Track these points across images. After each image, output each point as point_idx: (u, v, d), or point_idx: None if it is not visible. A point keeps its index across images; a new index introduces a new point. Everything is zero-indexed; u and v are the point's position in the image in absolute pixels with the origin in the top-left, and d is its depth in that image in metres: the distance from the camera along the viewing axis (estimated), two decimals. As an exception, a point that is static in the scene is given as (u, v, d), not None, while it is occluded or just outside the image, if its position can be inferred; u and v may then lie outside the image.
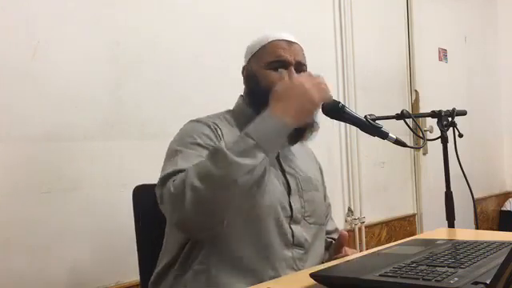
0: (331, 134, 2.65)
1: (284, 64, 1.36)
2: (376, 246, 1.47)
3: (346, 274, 1.09)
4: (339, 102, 1.46)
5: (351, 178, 2.73)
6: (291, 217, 1.32)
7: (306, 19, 2.53)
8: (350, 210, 2.71)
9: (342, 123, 2.48)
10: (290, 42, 1.38)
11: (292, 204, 1.33)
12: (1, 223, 1.46)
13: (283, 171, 1.35)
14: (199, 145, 1.26)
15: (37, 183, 1.54)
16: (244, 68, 1.42)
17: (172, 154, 1.27)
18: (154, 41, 1.86)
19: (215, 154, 1.12)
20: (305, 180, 1.40)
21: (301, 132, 1.38)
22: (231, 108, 1.44)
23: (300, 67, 1.36)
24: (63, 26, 1.62)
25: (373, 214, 2.82)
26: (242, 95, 1.44)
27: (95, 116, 1.68)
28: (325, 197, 1.56)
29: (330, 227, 1.57)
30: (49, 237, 1.56)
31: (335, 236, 1.55)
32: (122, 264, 1.48)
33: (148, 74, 1.83)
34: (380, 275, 1.00)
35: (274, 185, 1.31)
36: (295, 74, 1.24)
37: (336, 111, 1.45)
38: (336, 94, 2.67)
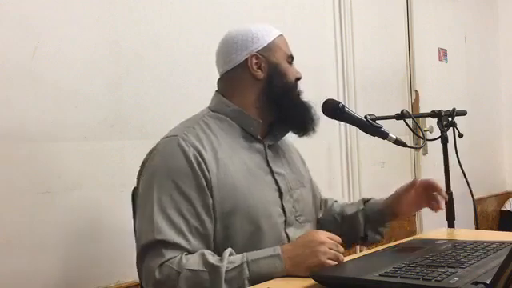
0: (331, 133, 2.64)
1: (292, 59, 1.42)
2: (376, 246, 1.47)
3: (346, 274, 1.09)
4: (339, 102, 1.46)
5: (351, 178, 2.73)
6: (285, 221, 1.33)
7: (306, 19, 2.53)
8: (350, 209, 2.71)
9: (342, 123, 2.48)
10: None
11: (285, 206, 1.33)
12: (1, 223, 1.46)
13: (272, 173, 1.35)
14: (182, 193, 1.21)
15: (37, 183, 1.54)
16: (256, 58, 1.35)
17: (150, 204, 1.20)
18: (153, 40, 1.86)
19: (212, 273, 1.12)
20: (292, 178, 1.41)
21: (303, 128, 1.39)
22: (207, 108, 1.40)
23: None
24: (63, 26, 1.62)
25: (373, 214, 2.82)
26: (217, 91, 1.41)
27: (95, 116, 1.68)
28: (312, 187, 1.56)
29: (331, 201, 1.62)
30: (49, 237, 1.56)
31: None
32: (122, 264, 1.48)
33: (148, 74, 1.83)
34: (380, 275, 1.00)
35: (266, 194, 1.31)
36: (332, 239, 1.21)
37: (336, 111, 1.45)
38: (336, 94, 2.66)
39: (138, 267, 1.24)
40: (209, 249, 1.22)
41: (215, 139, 1.29)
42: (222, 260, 1.15)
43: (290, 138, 1.49)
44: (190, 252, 1.18)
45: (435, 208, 1.50)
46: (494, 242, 1.28)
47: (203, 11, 2.02)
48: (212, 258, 1.16)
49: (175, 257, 1.16)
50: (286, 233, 1.32)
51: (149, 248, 1.18)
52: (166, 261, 1.15)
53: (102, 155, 1.69)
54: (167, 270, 1.14)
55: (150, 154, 1.32)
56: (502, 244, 1.26)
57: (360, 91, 2.79)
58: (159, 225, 1.18)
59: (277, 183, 1.34)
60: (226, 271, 1.13)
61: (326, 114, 1.47)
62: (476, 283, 0.91)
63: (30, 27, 1.55)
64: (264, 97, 1.36)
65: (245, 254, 1.18)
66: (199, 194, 1.21)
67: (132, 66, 1.79)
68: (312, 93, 2.46)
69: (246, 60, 1.35)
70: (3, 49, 1.49)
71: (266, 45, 1.36)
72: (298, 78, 1.41)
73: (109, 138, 1.71)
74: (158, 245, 1.17)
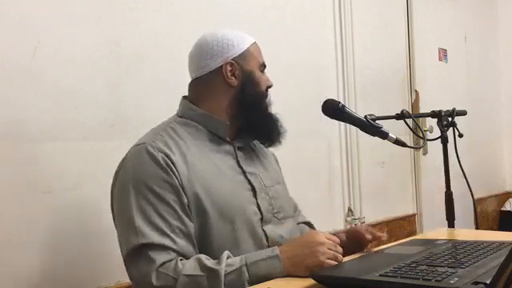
0: (331, 133, 2.65)
1: (264, 67, 1.43)
2: (376, 246, 1.47)
3: (346, 274, 1.09)
4: (339, 102, 1.46)
5: (351, 178, 2.73)
6: (262, 218, 1.33)
7: (306, 19, 2.53)
8: (350, 210, 2.71)
9: (342, 123, 2.48)
10: None
11: (260, 204, 1.33)
12: (1, 223, 1.46)
13: (244, 173, 1.35)
14: (159, 196, 1.21)
15: (37, 183, 1.54)
16: (230, 66, 1.36)
17: (129, 211, 1.20)
18: (153, 40, 1.86)
19: (210, 277, 1.12)
20: (266, 176, 1.41)
21: (271, 138, 1.41)
22: (174, 114, 1.42)
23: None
24: (63, 26, 1.62)
25: (373, 214, 2.82)
26: (184, 97, 1.42)
27: (95, 116, 1.68)
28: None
29: (301, 219, 1.58)
30: (49, 236, 1.56)
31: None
32: (122, 264, 1.47)
33: (148, 74, 1.83)
34: (380, 275, 1.00)
35: (239, 193, 1.31)
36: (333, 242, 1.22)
37: (336, 111, 1.45)
38: (336, 94, 2.66)
39: (128, 273, 1.24)
40: (194, 248, 1.22)
41: (183, 144, 1.30)
42: (219, 263, 1.14)
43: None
44: (177, 252, 1.18)
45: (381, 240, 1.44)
46: (494, 242, 1.28)
47: (203, 11, 2.02)
48: (208, 261, 1.15)
49: (170, 261, 1.15)
50: (264, 230, 1.32)
51: (135, 253, 1.18)
52: (159, 266, 1.15)
53: (102, 155, 1.68)
54: (163, 277, 1.14)
55: (121, 163, 1.32)
56: (502, 244, 1.26)
57: (360, 91, 2.79)
58: (141, 229, 1.17)
59: (250, 182, 1.34)
60: (225, 274, 1.13)
61: (326, 114, 1.47)
62: (476, 283, 0.91)
63: (30, 27, 1.55)
64: (236, 103, 1.37)
65: (243, 256, 1.18)
66: (175, 195, 1.21)
67: (132, 65, 1.79)
68: (312, 93, 2.51)
69: (221, 67, 1.36)
70: (3, 49, 1.49)
71: (240, 52, 1.37)
72: (269, 86, 1.42)
73: (109, 138, 1.71)
74: (144, 249, 1.17)
